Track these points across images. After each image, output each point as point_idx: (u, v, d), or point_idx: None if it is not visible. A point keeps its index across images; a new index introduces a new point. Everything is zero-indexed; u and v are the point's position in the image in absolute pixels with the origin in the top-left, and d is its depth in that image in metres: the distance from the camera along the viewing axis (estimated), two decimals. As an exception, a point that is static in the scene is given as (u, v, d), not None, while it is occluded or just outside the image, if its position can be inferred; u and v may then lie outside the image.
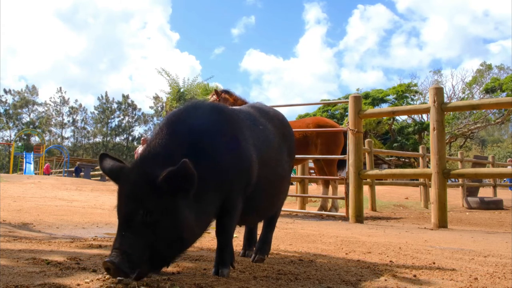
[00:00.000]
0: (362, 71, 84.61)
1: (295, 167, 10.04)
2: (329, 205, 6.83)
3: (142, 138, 13.84)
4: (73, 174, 22.23)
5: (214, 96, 6.31)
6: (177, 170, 1.41)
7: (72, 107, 53.19)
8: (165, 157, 1.52)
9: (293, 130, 2.59)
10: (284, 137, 2.18)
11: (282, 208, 2.86)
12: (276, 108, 2.90)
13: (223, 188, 1.65)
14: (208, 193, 1.60)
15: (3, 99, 50.23)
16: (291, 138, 2.31)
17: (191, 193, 1.48)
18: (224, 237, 1.77)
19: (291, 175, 2.60)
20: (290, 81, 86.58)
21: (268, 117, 2.15)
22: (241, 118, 1.88)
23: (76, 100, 57.36)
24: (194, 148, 1.56)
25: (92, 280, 1.52)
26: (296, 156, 5.37)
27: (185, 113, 1.71)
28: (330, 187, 6.81)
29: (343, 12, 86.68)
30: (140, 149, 12.49)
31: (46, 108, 52.56)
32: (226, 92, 6.36)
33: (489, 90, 28.56)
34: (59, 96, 52.97)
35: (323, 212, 6.49)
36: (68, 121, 53.08)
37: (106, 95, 53.61)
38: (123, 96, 54.17)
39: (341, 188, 7.01)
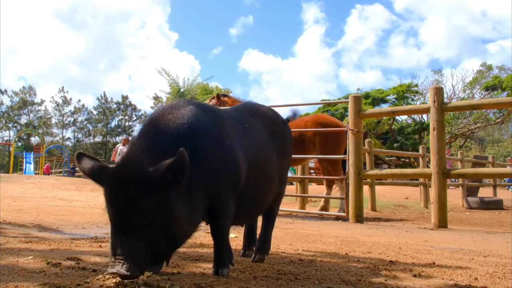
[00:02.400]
0: (360, 71, 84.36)
1: (294, 167, 9.98)
2: (329, 205, 6.78)
3: (123, 138, 13.75)
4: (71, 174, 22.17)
5: (214, 100, 6.84)
6: (176, 161, 1.40)
7: (74, 107, 53.15)
8: (150, 155, 1.51)
9: (291, 129, 2.53)
10: (274, 135, 2.15)
11: (282, 208, 2.85)
12: (276, 108, 2.88)
13: (211, 186, 1.65)
14: (197, 191, 1.60)
15: (0, 100, 50.10)
16: (283, 137, 2.27)
17: (182, 185, 1.47)
18: (219, 237, 1.77)
19: (290, 175, 2.58)
20: (289, 81, 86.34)
21: (257, 115, 2.14)
22: (225, 117, 1.89)
23: (79, 100, 57.28)
24: (179, 146, 1.56)
25: (92, 280, 1.51)
26: (294, 156, 5.30)
27: (168, 111, 1.71)
28: (338, 188, 6.41)
29: (341, 12, 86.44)
30: (120, 147, 12.47)
31: (45, 108, 52.54)
32: (225, 95, 7.16)
33: (490, 88, 28.54)
34: (61, 96, 52.93)
35: (323, 212, 6.44)
36: (69, 121, 53.04)
37: (105, 95, 53.59)
38: (123, 96, 54.18)
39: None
